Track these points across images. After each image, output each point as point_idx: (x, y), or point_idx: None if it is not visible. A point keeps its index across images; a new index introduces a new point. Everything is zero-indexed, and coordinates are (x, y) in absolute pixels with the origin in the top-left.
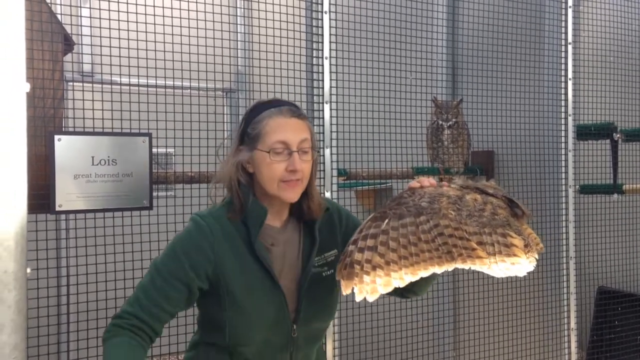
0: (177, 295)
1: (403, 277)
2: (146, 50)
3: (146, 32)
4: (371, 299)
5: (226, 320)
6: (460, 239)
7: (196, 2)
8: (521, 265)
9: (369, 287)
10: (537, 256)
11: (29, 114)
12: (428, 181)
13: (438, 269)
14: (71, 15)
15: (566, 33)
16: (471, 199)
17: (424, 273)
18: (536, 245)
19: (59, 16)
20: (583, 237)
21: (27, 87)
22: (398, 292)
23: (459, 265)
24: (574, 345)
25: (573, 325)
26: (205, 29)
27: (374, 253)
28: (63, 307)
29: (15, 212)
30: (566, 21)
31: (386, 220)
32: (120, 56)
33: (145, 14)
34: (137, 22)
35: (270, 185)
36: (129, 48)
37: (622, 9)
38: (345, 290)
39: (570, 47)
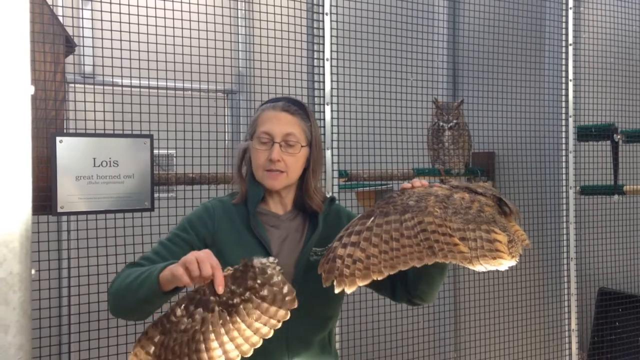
0: (179, 251)
1: (382, 270)
2: (147, 52)
3: (147, 33)
4: (349, 291)
5: None
6: (443, 235)
7: (197, 4)
8: (502, 259)
9: (348, 279)
10: (521, 251)
11: (31, 115)
12: (420, 182)
13: (418, 263)
14: (72, 17)
15: (567, 34)
16: (459, 197)
17: (403, 267)
18: (522, 241)
19: (60, 18)
20: (584, 238)
21: (31, 89)
22: (406, 299)
23: (441, 260)
24: (574, 346)
25: (574, 326)
26: (207, 30)
27: (356, 248)
28: (64, 308)
29: (20, 213)
30: (567, 22)
31: (372, 218)
32: (121, 58)
33: (147, 16)
34: (138, 24)
35: (256, 173)
36: (130, 50)
37: (623, 10)
38: (325, 283)
39: (570, 49)
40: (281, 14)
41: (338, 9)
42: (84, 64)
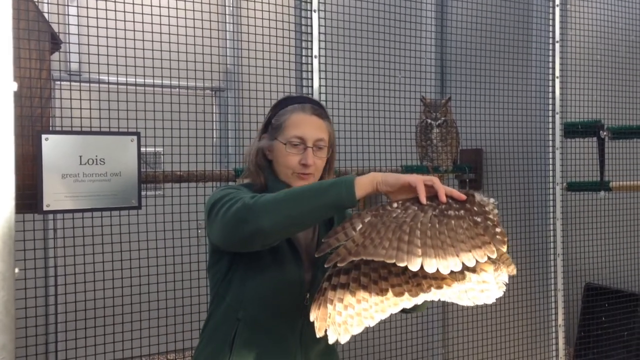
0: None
1: (374, 316)
2: (134, 49)
3: (134, 30)
4: (343, 340)
5: (245, 272)
6: None
7: (185, 1)
8: (490, 292)
9: (342, 328)
10: (507, 280)
11: (16, 113)
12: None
13: (408, 304)
14: (58, 13)
15: (554, 32)
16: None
17: (394, 309)
18: (507, 267)
19: (46, 15)
20: (570, 234)
21: (14, 86)
22: None
23: (429, 297)
24: (561, 341)
25: (560, 321)
26: (194, 27)
27: (346, 291)
28: (51, 307)
29: (2, 212)
30: (554, 20)
31: None
32: (108, 55)
33: (133, 13)
34: (124, 21)
35: (284, 174)
36: (116, 47)
37: (610, 7)
38: (319, 332)
39: (557, 46)
40: (269, 11)
41: (326, 6)
42: (70, 61)
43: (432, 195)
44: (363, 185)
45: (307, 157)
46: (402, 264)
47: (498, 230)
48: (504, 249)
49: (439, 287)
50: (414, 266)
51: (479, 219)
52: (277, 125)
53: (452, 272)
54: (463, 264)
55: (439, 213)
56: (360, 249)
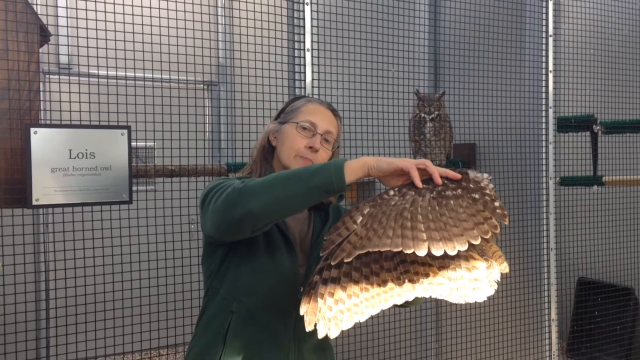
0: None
1: (364, 312)
2: (124, 41)
3: (124, 23)
4: (333, 335)
5: (239, 264)
6: (422, 265)
7: None
8: (482, 290)
9: (332, 322)
10: (498, 278)
11: (4, 106)
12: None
13: (399, 299)
14: (47, 5)
15: (547, 26)
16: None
17: (385, 305)
18: (499, 264)
19: (35, 6)
20: (563, 229)
21: None
22: None
23: (420, 294)
24: (554, 335)
25: (554, 315)
26: (185, 20)
27: (337, 286)
28: (42, 302)
29: None
30: (547, 14)
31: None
32: (97, 47)
33: (123, 5)
34: (115, 13)
35: (286, 156)
36: (106, 39)
37: (603, 2)
38: (309, 325)
39: (551, 40)
40: (261, 4)
41: None
42: (59, 54)
43: (427, 177)
44: (354, 169)
45: (315, 141)
46: (409, 251)
47: (497, 204)
48: (506, 222)
49: (430, 284)
50: (421, 251)
51: (476, 196)
52: (290, 110)
53: (442, 267)
54: (469, 243)
55: (436, 195)
56: (365, 241)
